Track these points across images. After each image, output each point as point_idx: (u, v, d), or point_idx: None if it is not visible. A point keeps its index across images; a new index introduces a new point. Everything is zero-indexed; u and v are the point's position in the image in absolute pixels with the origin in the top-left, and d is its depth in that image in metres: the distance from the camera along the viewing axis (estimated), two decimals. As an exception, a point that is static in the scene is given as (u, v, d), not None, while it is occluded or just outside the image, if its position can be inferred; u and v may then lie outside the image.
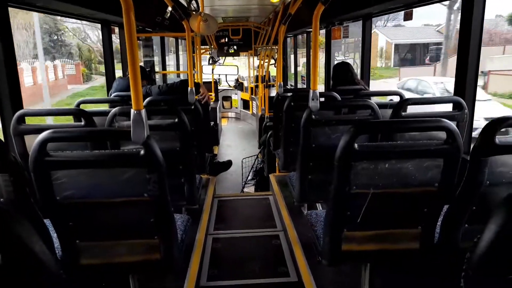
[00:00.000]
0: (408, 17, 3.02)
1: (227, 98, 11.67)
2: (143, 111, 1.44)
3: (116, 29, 4.06)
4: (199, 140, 2.87)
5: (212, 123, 6.41)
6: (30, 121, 2.18)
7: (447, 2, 16.77)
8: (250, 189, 6.02)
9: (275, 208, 3.49)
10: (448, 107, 2.36)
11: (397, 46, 24.55)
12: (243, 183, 6.14)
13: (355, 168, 1.48)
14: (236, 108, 11.78)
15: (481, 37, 2.29)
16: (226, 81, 11.94)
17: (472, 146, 1.42)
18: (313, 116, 2.22)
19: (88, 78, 23.90)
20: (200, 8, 3.73)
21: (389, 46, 24.85)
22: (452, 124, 1.46)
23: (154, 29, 5.08)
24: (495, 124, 1.34)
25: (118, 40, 4.30)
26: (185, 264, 2.32)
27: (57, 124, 2.07)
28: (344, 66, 3.37)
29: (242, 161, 6.48)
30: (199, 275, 2.36)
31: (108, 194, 1.45)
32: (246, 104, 11.26)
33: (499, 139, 1.34)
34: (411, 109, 2.34)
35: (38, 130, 1.90)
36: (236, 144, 8.89)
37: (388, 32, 25.08)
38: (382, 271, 1.93)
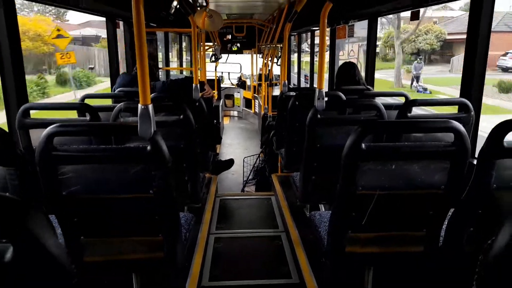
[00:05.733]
0: (415, 17, 3.00)
1: (229, 97, 11.65)
2: (150, 106, 1.43)
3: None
4: (203, 138, 2.86)
5: (214, 121, 6.40)
6: (34, 115, 2.17)
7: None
8: (250, 188, 6.00)
9: (277, 209, 3.48)
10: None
11: None
12: (244, 182, 6.13)
13: (361, 168, 1.47)
14: (238, 106, 11.76)
15: (488, 39, 2.27)
16: (229, 79, 11.92)
17: (480, 149, 1.41)
18: (319, 116, 2.21)
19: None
20: (206, 3, 3.71)
21: None
22: (461, 126, 1.45)
23: (158, 25, 5.07)
24: (504, 127, 1.33)
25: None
26: (187, 263, 2.31)
27: (63, 119, 2.05)
28: (350, 66, 3.36)
29: (243, 160, 6.46)
30: (201, 275, 2.36)
31: (113, 190, 1.44)
32: (248, 103, 11.23)
33: (507, 142, 1.33)
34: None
35: (43, 124, 1.89)
36: (238, 143, 8.88)
37: None
38: (385, 273, 1.92)
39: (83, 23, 26.26)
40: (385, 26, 27.37)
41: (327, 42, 4.93)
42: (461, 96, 2.37)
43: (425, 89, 18.47)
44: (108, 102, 3.33)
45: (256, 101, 10.26)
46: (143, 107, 1.42)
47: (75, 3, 3.04)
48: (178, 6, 3.35)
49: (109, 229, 1.55)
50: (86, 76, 17.72)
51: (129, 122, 2.15)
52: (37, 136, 1.42)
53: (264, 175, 5.77)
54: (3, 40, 2.14)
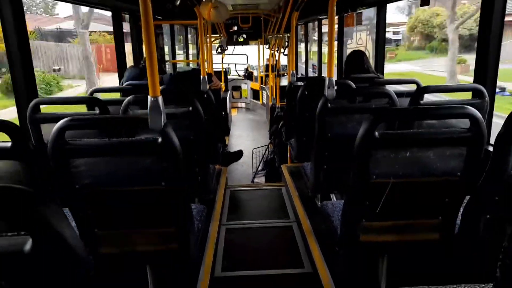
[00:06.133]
0: (425, 2, 2.93)
1: (236, 88, 11.63)
2: (160, 98, 1.43)
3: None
4: (212, 129, 2.86)
5: (222, 113, 6.40)
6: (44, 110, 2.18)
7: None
8: (260, 179, 6.01)
9: (288, 199, 3.47)
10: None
11: None
12: (254, 173, 6.13)
13: (375, 156, 1.45)
14: (246, 98, 11.74)
15: (502, 23, 2.21)
16: (236, 70, 11.88)
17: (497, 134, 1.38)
18: (329, 105, 2.18)
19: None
20: None
21: None
22: (477, 112, 1.41)
23: (164, 17, 5.05)
24: None
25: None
26: (200, 254, 2.32)
27: (73, 113, 2.05)
28: (358, 55, 3.31)
29: (252, 151, 6.46)
30: (214, 265, 2.36)
31: (126, 182, 1.44)
32: (255, 94, 11.20)
33: None
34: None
35: (54, 118, 1.90)
36: (247, 134, 8.87)
37: None
38: (399, 262, 1.91)
39: (69, 16, 21.96)
40: (409, 9, 23.97)
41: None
42: (474, 81, 2.32)
43: (503, 89, 11.94)
44: (116, 95, 3.34)
45: (264, 92, 10.22)
46: (153, 99, 1.42)
47: None
48: None
49: (123, 221, 1.56)
50: (46, 81, 13.71)
51: (139, 115, 2.15)
52: (48, 130, 1.41)
53: (273, 166, 5.77)
54: (11, 38, 2.15)
